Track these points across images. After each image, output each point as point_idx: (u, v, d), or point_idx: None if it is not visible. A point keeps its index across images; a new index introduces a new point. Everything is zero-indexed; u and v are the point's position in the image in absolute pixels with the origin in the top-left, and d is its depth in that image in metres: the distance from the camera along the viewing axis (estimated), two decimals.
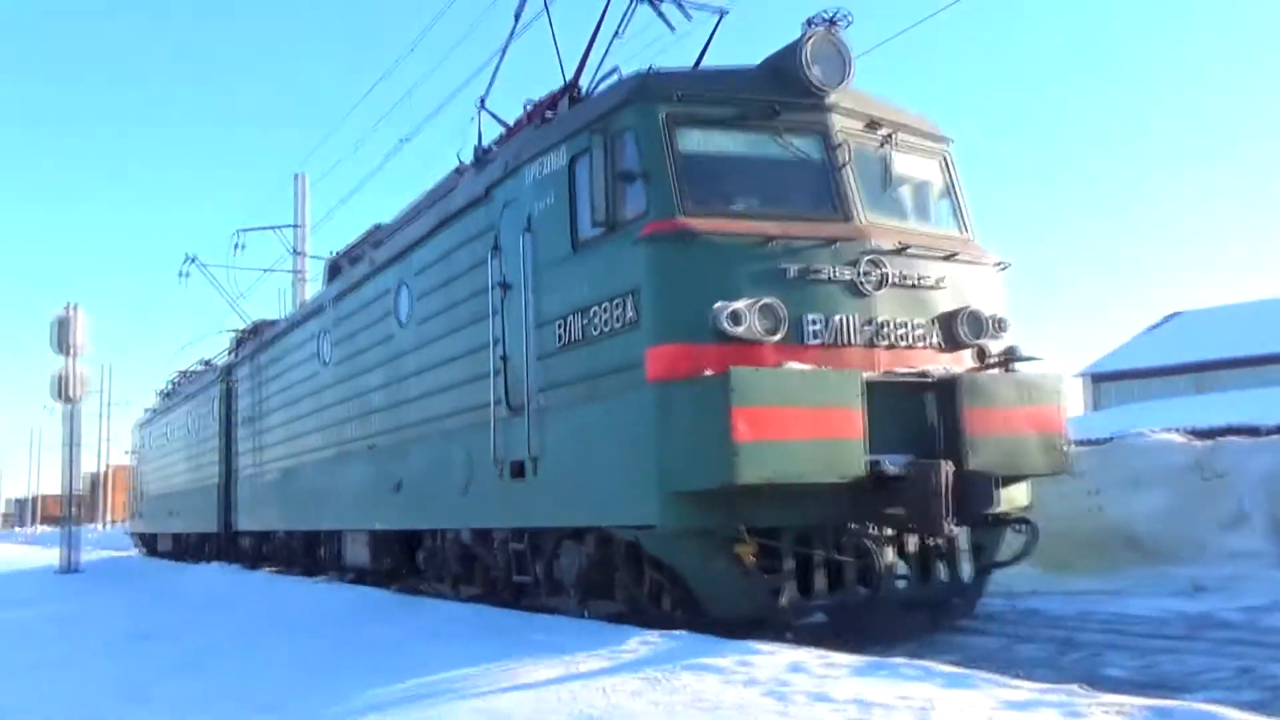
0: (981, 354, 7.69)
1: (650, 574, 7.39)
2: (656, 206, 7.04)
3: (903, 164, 8.07)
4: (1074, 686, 4.83)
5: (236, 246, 24.61)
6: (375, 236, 14.08)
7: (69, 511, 24.40)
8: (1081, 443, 14.74)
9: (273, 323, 19.41)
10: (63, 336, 24.82)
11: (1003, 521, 7.64)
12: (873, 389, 6.84)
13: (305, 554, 16.07)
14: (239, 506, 19.41)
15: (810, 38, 7.69)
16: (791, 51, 7.68)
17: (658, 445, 6.68)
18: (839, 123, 7.64)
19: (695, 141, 7.25)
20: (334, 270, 15.79)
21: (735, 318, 6.72)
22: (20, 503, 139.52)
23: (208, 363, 24.97)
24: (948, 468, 6.54)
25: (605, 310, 7.34)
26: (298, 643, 8.26)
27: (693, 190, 7.09)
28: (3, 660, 9.01)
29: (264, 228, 25.80)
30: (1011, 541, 8.20)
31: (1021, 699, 4.72)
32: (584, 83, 9.40)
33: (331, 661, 7.22)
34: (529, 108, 9.98)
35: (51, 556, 29.81)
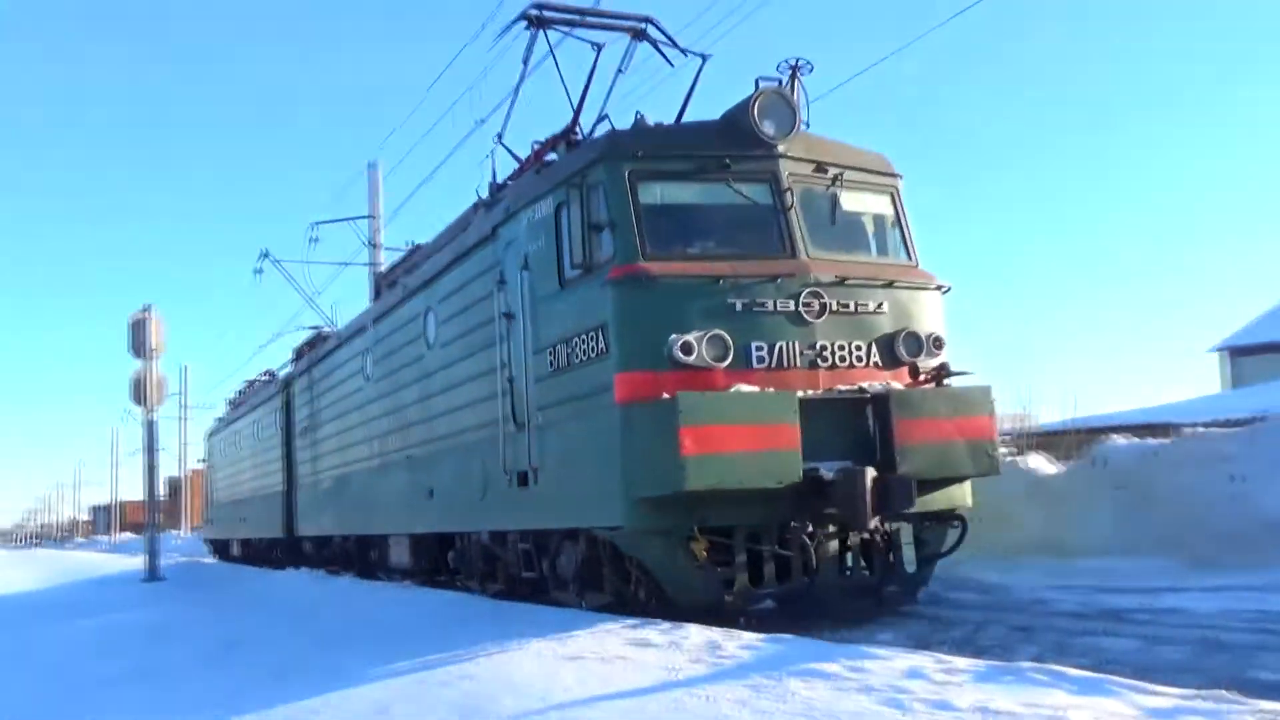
0: (917, 370, 8.82)
1: (630, 569, 8.63)
2: (621, 252, 8.33)
3: (850, 201, 9.25)
4: (1222, 692, 4.53)
5: (311, 240, 24.04)
6: (413, 259, 15.66)
7: (151, 518, 24.72)
8: (1220, 424, 14.91)
9: (325, 337, 20.74)
10: (139, 339, 24.55)
11: (942, 518, 8.76)
12: (812, 405, 8.05)
13: (359, 557, 17.37)
14: (300, 512, 20.71)
15: (760, 95, 8.92)
16: (744, 107, 8.88)
17: (623, 457, 7.98)
18: (787, 169, 8.85)
19: (656, 194, 8.51)
20: (378, 289, 17.41)
21: (686, 348, 7.98)
22: (102, 510, 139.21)
23: (271, 373, 25.91)
24: (870, 473, 7.73)
25: (584, 340, 8.64)
26: (387, 649, 8.25)
27: (653, 237, 8.37)
28: (95, 669, 9.14)
29: (338, 220, 25.28)
30: (1003, 536, 9.29)
31: (1165, 706, 4.38)
32: (586, 121, 10.59)
33: (429, 668, 7.17)
34: (535, 147, 11.21)
35: (134, 564, 30.77)
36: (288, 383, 21.91)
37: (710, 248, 8.75)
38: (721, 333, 8.18)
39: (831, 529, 8.41)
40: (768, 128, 8.98)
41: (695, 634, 7.18)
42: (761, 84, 9.15)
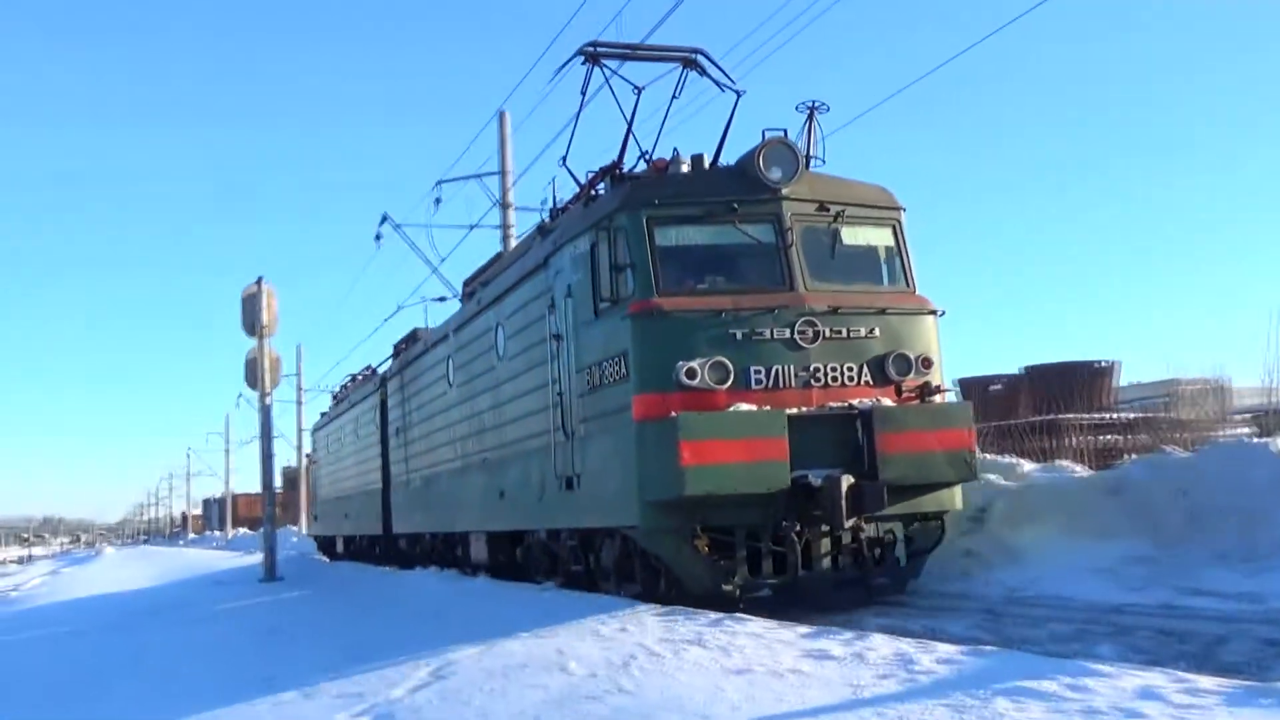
0: (915, 387, 10.22)
1: (652, 563, 10.23)
2: (640, 290, 10.00)
3: (851, 235, 10.74)
4: None
5: (436, 201, 22.58)
6: (489, 273, 17.25)
7: (269, 512, 23.59)
8: None
9: (417, 338, 21.84)
10: (251, 315, 23.12)
11: (928, 519, 10.16)
12: (803, 421, 9.60)
13: (446, 553, 19.07)
14: (395, 510, 22.15)
15: (765, 145, 10.44)
16: (751, 155, 10.37)
17: (638, 467, 9.67)
18: (790, 210, 10.40)
19: (671, 236, 10.14)
20: (464, 295, 18.97)
21: (690, 373, 9.62)
22: (214, 503, 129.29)
23: (371, 369, 26.59)
24: (847, 479, 9.26)
25: (611, 364, 10.30)
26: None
27: (667, 275, 10.01)
28: (211, 676, 9.33)
29: (465, 177, 23.39)
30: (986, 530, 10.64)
31: None
32: (643, 142, 12.29)
33: (575, 681, 7.04)
34: (590, 175, 12.65)
35: (249, 562, 31.06)
36: (383, 381, 23.21)
37: (719, 283, 10.33)
38: (723, 359, 9.75)
39: (824, 528, 9.79)
40: (773, 174, 10.53)
41: (882, 645, 6.76)
42: (768, 134, 10.57)
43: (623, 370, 10.39)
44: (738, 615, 8.51)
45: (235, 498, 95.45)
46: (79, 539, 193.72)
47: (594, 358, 11.08)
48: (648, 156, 12.56)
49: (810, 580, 10.13)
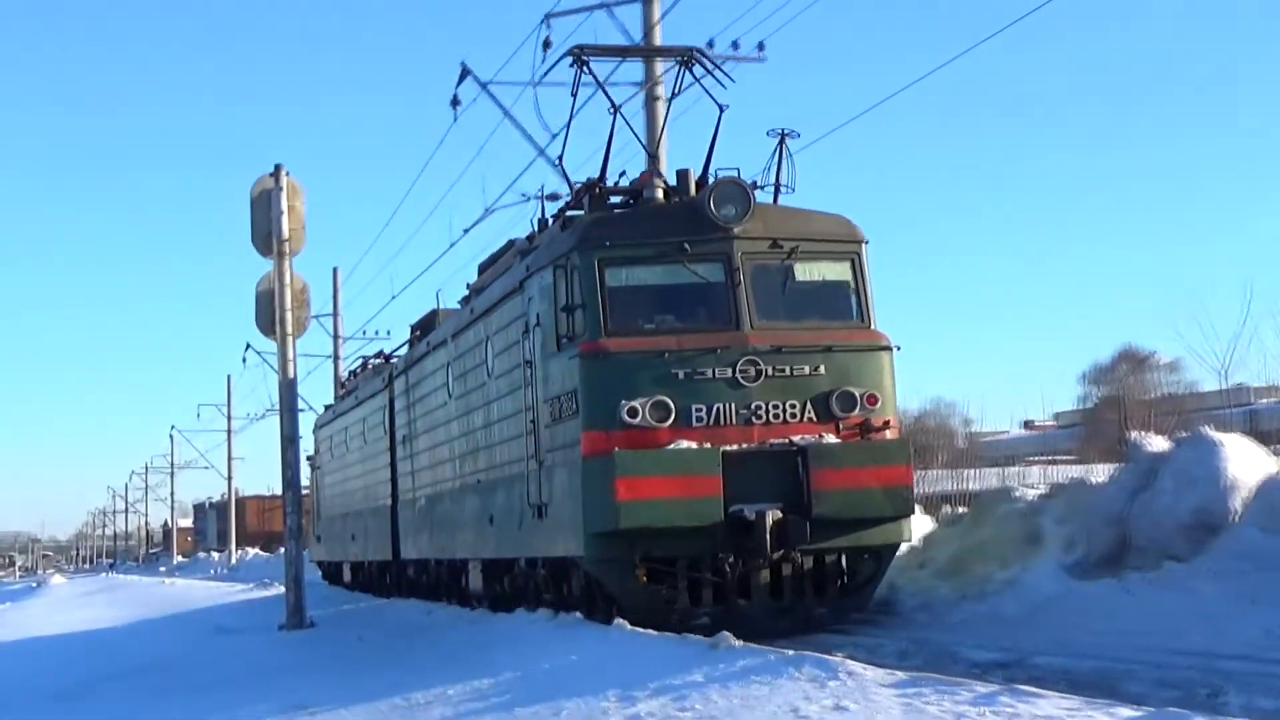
0: (855, 425, 11.04)
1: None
2: (589, 330, 11.37)
3: (804, 271, 11.96)
4: None
5: (544, 46, 16.93)
6: (494, 271, 16.92)
7: (293, 524, 18.16)
8: None
9: (431, 326, 20.07)
10: (264, 223, 17.46)
11: (869, 550, 11.00)
12: (740, 457, 10.74)
13: (452, 584, 18.45)
14: (402, 531, 21.05)
15: (716, 185, 11.50)
16: (704, 196, 11.24)
17: (583, 500, 10.76)
18: (741, 249, 11.64)
19: (621, 277, 11.39)
20: (470, 289, 18.01)
21: (632, 412, 10.92)
22: (210, 510, 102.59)
23: (384, 356, 24.61)
24: (773, 514, 10.34)
25: (567, 399, 11.66)
26: None
27: (615, 316, 11.37)
28: None
29: (588, 7, 17.78)
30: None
31: None
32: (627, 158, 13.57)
33: None
34: (576, 187, 14.30)
35: (261, 597, 25.90)
36: (390, 379, 21.82)
37: (668, 321, 11.67)
38: (664, 398, 11.00)
39: (761, 560, 10.69)
40: (724, 212, 11.65)
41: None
42: (720, 174, 11.48)
43: (574, 406, 11.61)
44: (1019, 689, 6.89)
45: (241, 502, 76.01)
46: (12, 563, 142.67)
47: (555, 391, 12.31)
48: (625, 177, 13.39)
49: (749, 609, 11.01)
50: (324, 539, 29.22)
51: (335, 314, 39.33)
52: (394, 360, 22.15)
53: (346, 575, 26.96)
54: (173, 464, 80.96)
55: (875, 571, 12.05)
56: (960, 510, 16.83)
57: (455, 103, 18.17)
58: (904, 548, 13.10)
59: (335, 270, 40.70)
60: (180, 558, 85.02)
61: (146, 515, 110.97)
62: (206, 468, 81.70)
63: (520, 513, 13.93)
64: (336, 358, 39.07)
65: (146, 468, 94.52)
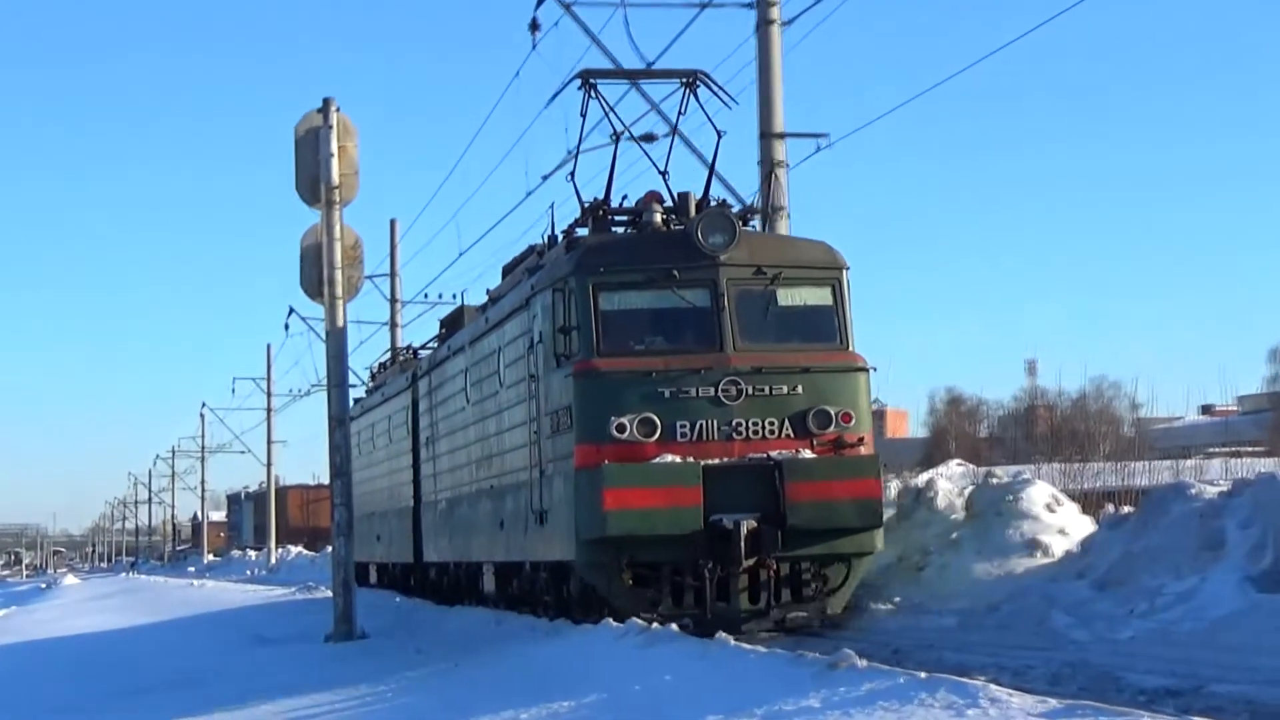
0: (829, 440, 12.09)
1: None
2: (583, 350, 12.44)
3: (787, 296, 13.05)
4: None
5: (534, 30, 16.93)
6: (509, 281, 17.74)
7: (342, 518, 16.86)
8: None
9: (458, 324, 20.54)
10: (310, 166, 15.79)
11: (840, 558, 12.07)
12: (721, 471, 11.92)
13: (470, 587, 19.37)
14: (425, 534, 21.77)
15: (704, 216, 12.53)
16: (693, 225, 12.31)
17: (575, 509, 11.89)
18: (726, 275, 12.84)
19: (614, 301, 12.52)
20: (489, 300, 18.97)
21: (620, 428, 12.06)
22: (245, 502, 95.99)
23: (412, 351, 25.02)
24: (747, 524, 11.57)
25: (564, 414, 12.76)
26: None
27: (607, 337, 12.52)
28: None
29: None
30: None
31: None
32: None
33: None
34: (585, 205, 15.30)
35: (301, 600, 25.12)
36: (414, 379, 22.39)
37: (657, 343, 12.83)
38: (651, 414, 12.16)
39: (746, 564, 11.79)
40: (711, 241, 12.65)
41: None
42: (710, 205, 12.52)
43: (569, 421, 12.62)
44: None
45: (282, 492, 69.77)
46: (18, 561, 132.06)
47: (554, 405, 13.41)
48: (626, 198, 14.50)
49: (728, 612, 12.08)
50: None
51: (393, 274, 35.16)
52: (419, 357, 22.62)
53: (372, 577, 27.26)
54: (203, 447, 73.89)
55: (846, 578, 13.05)
56: (1126, 509, 15.23)
57: (534, 27, 17.48)
58: (1058, 551, 13.95)
59: (393, 223, 36.46)
60: (211, 556, 78.72)
61: (174, 506, 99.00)
62: (242, 452, 69.00)
63: (525, 518, 15.08)
64: (394, 325, 34.50)
65: (174, 451, 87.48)
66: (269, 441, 55.48)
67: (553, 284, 13.75)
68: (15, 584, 74.27)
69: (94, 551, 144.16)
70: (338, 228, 15.71)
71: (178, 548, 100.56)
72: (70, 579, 63.95)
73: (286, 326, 40.16)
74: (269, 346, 59.46)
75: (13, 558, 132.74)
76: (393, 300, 35.53)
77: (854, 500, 12.52)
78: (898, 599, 14.26)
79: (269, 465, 57.84)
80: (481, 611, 16.95)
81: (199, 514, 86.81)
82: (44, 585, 58.97)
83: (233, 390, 69.17)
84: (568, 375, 13.15)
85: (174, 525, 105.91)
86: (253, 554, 67.18)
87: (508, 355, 16.58)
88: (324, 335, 16.44)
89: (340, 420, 17.01)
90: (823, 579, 13.07)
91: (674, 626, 11.27)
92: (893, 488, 16.64)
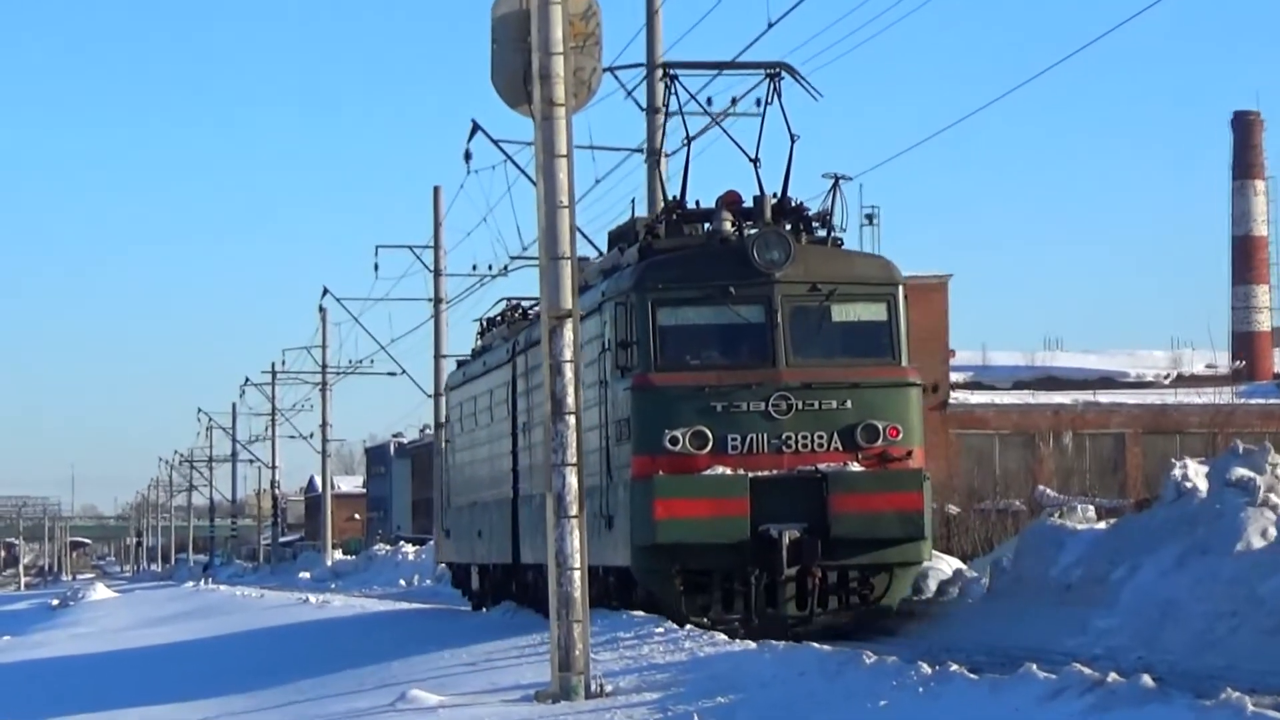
0: (876, 454, 13.26)
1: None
2: (641, 364, 13.84)
3: (841, 313, 14.25)
4: None
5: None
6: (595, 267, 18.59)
7: (559, 486, 11.05)
8: None
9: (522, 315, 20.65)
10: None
11: (884, 568, 13.27)
12: (769, 482, 13.15)
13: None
14: (523, 530, 19.24)
15: (760, 235, 13.68)
16: (750, 242, 13.54)
17: (630, 517, 13.14)
18: (781, 292, 14.00)
19: (672, 317, 13.91)
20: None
21: (674, 440, 13.45)
22: (393, 458, 69.00)
23: (521, 310, 21.39)
24: (790, 534, 12.73)
25: (624, 424, 13.86)
26: None
27: (665, 352, 13.88)
28: None
29: None
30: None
31: None
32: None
33: None
34: (668, 202, 16.65)
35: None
36: (514, 353, 19.88)
37: (712, 358, 14.10)
38: (703, 428, 13.47)
39: (792, 572, 13.05)
40: (766, 259, 13.80)
41: None
42: (764, 226, 13.76)
43: (628, 432, 13.88)
44: None
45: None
46: (14, 560, 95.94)
47: (618, 415, 14.95)
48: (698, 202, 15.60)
49: (775, 617, 13.35)
50: (452, 534, 25.52)
51: (436, 245, 30.84)
52: (526, 317, 20.11)
53: (475, 582, 23.23)
54: (274, 407, 52.27)
55: (889, 586, 14.25)
56: None
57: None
58: None
59: (436, 190, 33.52)
60: (339, 554, 53.38)
61: (275, 467, 61.36)
62: (397, 374, 44.30)
63: (595, 522, 15.96)
64: (438, 301, 30.20)
65: (241, 405, 62.18)
66: (437, 355, 35.35)
67: (616, 297, 15.05)
68: (10, 598, 52.84)
69: (139, 545, 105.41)
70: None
71: (280, 538, 69.83)
72: (100, 590, 46.71)
73: (467, 155, 25.20)
74: (376, 251, 34.69)
75: (6, 553, 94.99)
76: (436, 273, 33.07)
77: (896, 512, 13.75)
78: None
79: (435, 396, 35.74)
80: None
81: (318, 481, 59.42)
82: (55, 602, 43.79)
83: (315, 327, 50.21)
84: (627, 388, 14.52)
85: (276, 499, 67.87)
86: (409, 549, 45.17)
87: (587, 354, 17.70)
88: (532, 172, 11.39)
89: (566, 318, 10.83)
90: (869, 587, 14.29)
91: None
92: None
